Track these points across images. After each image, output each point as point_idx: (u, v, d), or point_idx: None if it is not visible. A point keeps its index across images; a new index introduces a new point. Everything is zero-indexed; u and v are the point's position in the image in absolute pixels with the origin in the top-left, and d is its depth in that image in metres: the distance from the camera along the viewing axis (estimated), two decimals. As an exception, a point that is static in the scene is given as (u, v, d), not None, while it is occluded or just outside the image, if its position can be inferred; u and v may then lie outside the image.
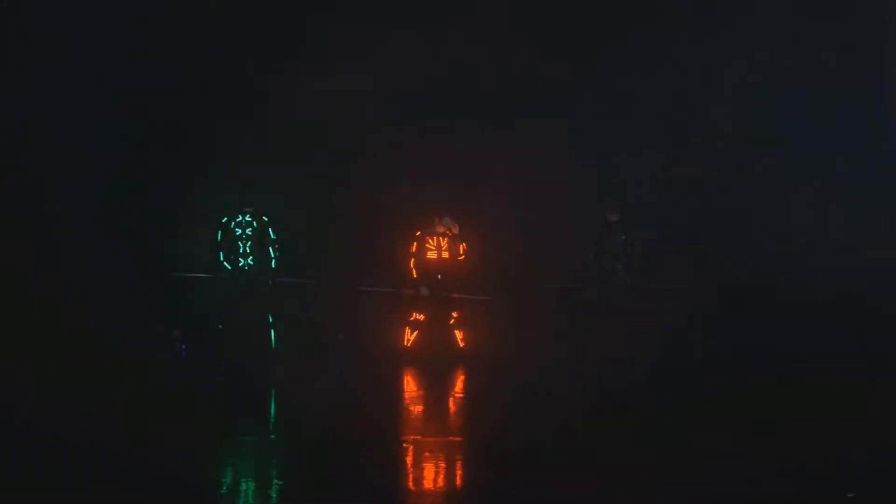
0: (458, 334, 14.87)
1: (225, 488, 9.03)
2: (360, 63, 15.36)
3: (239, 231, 14.55)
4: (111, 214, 14.96)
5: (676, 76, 15.22)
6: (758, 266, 14.72)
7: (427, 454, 10.02)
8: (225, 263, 14.54)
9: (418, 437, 11.05)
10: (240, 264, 14.54)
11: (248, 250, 14.56)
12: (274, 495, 8.88)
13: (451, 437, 11.02)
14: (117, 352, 13.37)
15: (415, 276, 14.89)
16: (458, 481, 9.32)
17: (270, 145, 15.27)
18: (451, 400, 13.17)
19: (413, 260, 14.91)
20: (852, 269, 14.32)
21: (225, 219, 14.60)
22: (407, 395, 13.42)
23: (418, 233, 14.93)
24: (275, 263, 14.62)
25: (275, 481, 9.36)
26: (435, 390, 13.45)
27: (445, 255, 14.91)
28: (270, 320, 14.60)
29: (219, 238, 14.55)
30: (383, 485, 8.93)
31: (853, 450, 9.61)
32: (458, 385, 13.91)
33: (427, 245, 14.91)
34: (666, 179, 15.01)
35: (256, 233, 14.58)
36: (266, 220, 14.63)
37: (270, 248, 14.59)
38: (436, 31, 15.37)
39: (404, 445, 10.47)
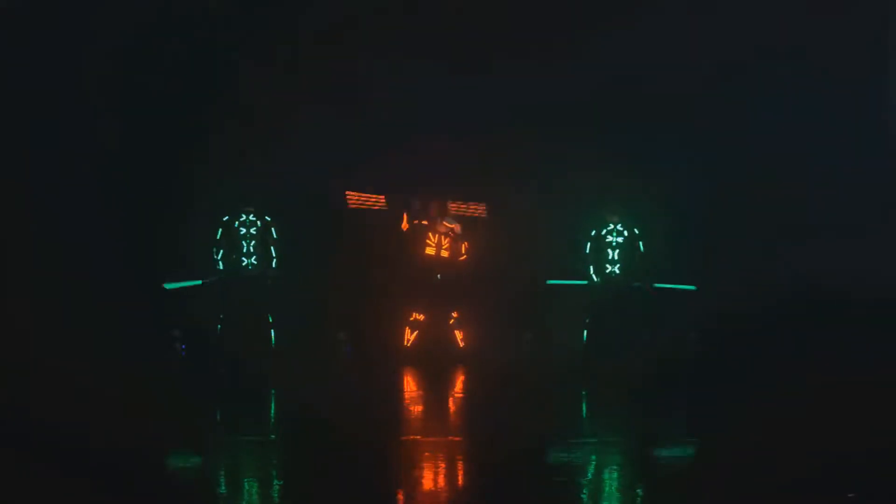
0: (458, 334, 14.87)
1: (224, 488, 9.04)
2: (360, 61, 15.36)
3: (242, 230, 14.56)
4: (111, 214, 14.96)
5: (676, 74, 15.20)
6: (758, 266, 14.73)
7: (427, 454, 10.02)
8: (224, 263, 14.54)
9: (418, 436, 11.05)
10: (242, 264, 14.54)
11: (250, 250, 14.56)
12: (274, 495, 8.88)
13: (451, 437, 11.02)
14: (117, 352, 13.36)
15: (415, 275, 14.89)
16: (459, 481, 9.32)
17: (271, 144, 15.26)
18: (451, 400, 13.17)
19: (413, 259, 14.91)
20: (851, 270, 14.33)
21: (226, 218, 14.60)
22: (407, 395, 13.42)
23: (419, 232, 14.93)
24: (276, 263, 14.63)
25: (275, 481, 9.36)
26: (435, 390, 13.44)
27: (445, 254, 14.90)
28: (270, 320, 14.60)
29: (219, 237, 14.56)
30: (383, 485, 8.93)
31: (853, 450, 9.61)
32: (458, 385, 13.91)
33: (427, 244, 14.91)
34: (666, 179, 15.00)
35: (259, 232, 14.58)
36: (268, 219, 14.64)
37: (272, 248, 14.60)
38: (437, 31, 15.37)
39: (404, 445, 10.46)
